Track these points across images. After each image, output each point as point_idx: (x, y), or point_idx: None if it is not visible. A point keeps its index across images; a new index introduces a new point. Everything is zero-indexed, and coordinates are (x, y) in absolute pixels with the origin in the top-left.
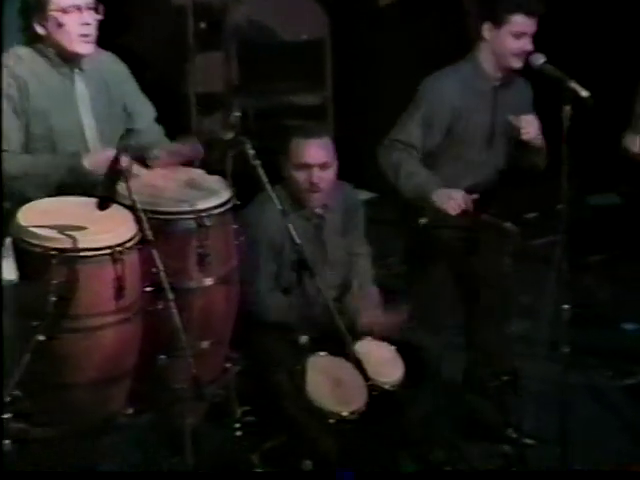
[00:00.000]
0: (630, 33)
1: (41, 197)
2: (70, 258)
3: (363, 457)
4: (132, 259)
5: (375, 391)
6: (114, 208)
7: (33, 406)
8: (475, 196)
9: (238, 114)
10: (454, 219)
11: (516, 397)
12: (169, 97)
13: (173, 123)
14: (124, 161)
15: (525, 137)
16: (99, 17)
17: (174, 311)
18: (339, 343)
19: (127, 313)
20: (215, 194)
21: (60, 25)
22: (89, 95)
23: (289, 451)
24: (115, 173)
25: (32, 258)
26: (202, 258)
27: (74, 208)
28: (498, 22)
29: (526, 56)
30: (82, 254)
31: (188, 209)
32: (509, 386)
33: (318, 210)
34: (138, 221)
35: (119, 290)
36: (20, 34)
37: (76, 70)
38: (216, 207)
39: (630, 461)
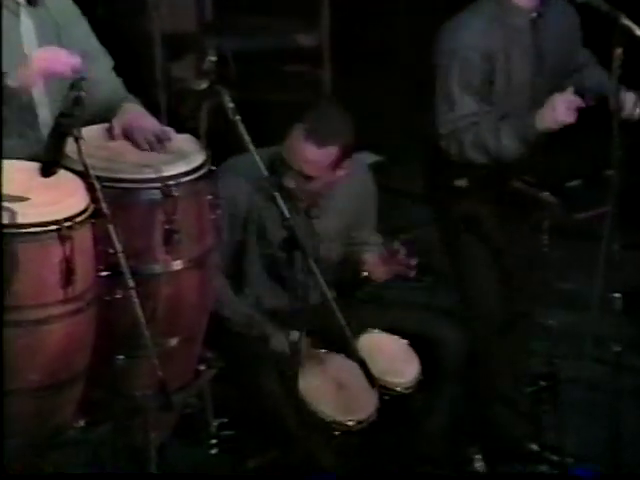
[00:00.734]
0: None
1: None
2: (7, 236)
3: (372, 476)
4: (84, 237)
5: (387, 395)
6: (61, 174)
7: None
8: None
9: (214, 58)
10: (492, 181)
11: (555, 406)
12: (128, 39)
13: (134, 72)
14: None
15: (627, 116)
16: None
17: (135, 301)
18: (339, 338)
19: (78, 303)
20: (185, 158)
21: None
22: (35, 32)
23: (280, 471)
24: (62, 130)
25: None
26: (169, 236)
27: (12, 174)
28: None
29: None
30: (22, 230)
31: (152, 176)
32: (547, 393)
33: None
34: (91, 190)
35: (68, 275)
36: None
37: (21, 2)
38: (186, 173)
39: None
